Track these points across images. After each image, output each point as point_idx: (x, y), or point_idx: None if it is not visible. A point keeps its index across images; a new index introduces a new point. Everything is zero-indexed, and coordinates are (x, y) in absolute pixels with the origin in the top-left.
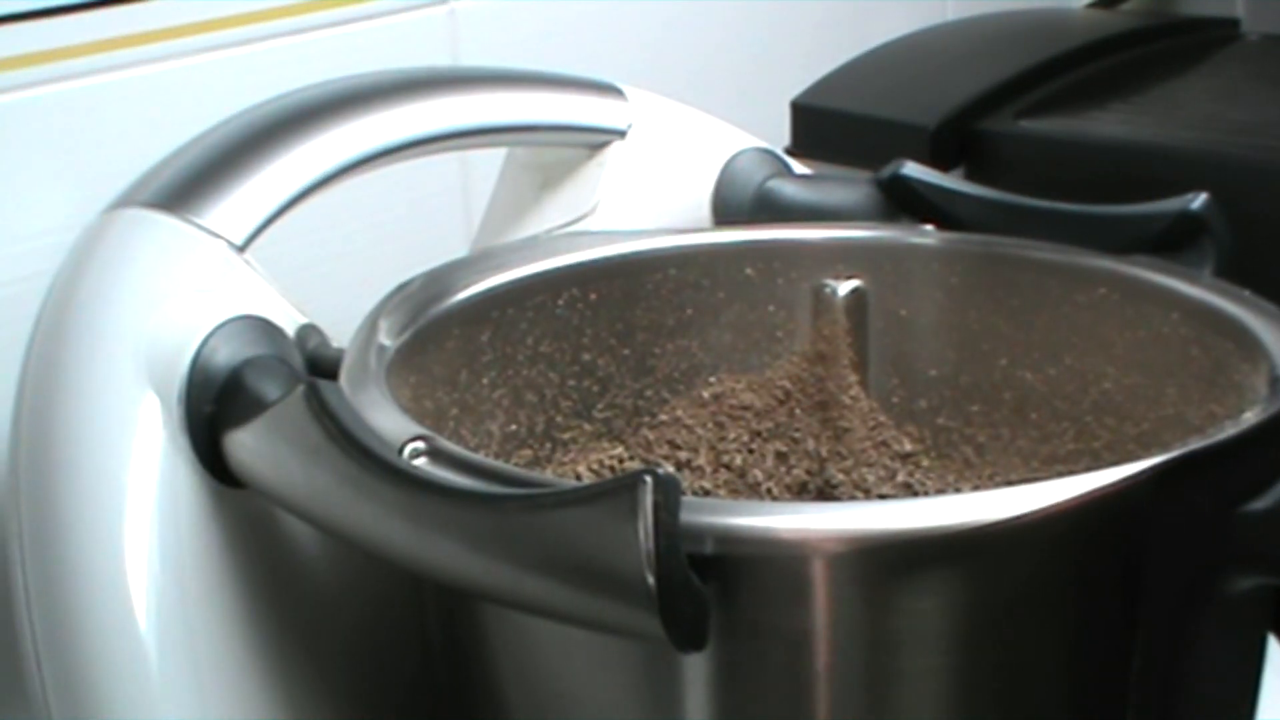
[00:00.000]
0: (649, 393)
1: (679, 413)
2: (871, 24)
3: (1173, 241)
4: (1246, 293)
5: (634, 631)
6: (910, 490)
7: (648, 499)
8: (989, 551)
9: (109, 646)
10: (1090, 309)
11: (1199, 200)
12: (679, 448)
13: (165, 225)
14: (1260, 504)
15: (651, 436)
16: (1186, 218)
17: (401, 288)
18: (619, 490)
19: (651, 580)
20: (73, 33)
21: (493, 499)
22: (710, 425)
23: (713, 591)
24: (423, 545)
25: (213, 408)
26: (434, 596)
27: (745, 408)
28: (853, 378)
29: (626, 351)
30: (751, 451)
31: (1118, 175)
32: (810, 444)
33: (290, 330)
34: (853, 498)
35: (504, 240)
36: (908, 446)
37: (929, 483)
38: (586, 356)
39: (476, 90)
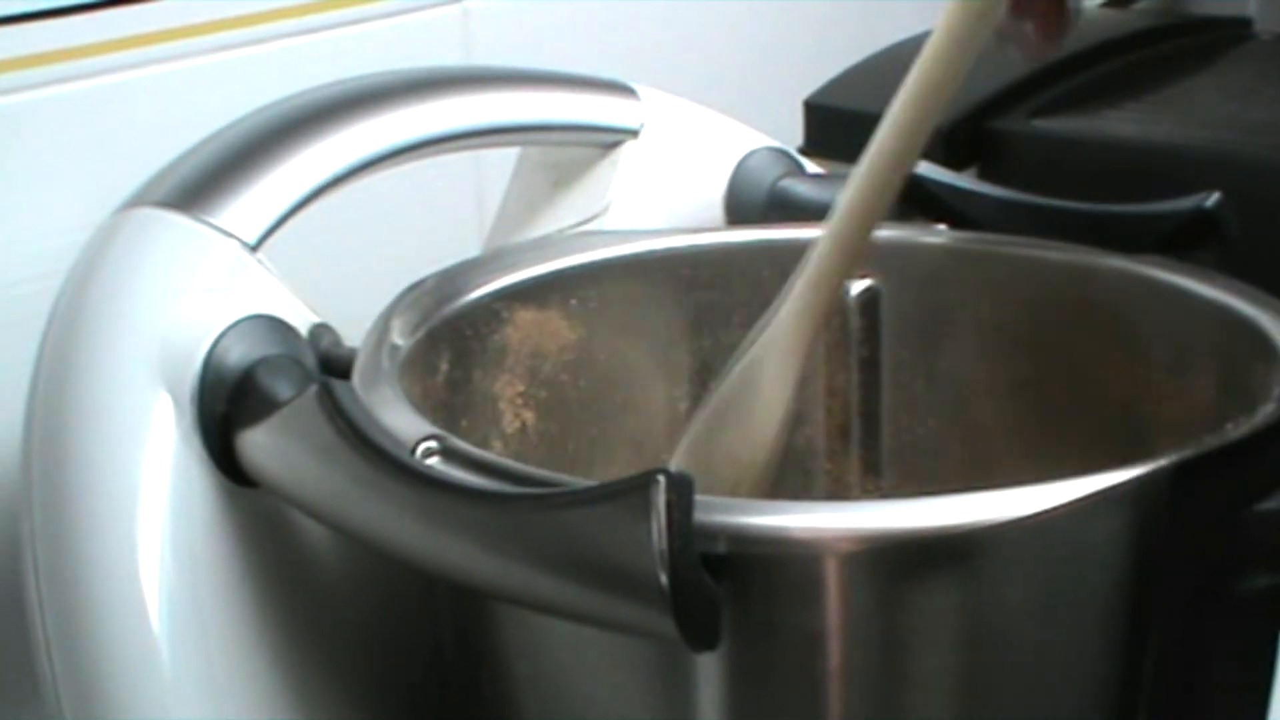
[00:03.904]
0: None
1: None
2: (884, 22)
3: (1186, 241)
4: (1260, 292)
5: (647, 631)
6: (923, 489)
7: (661, 498)
8: (1001, 550)
9: (122, 645)
10: (1103, 308)
11: (1212, 199)
12: None
13: (178, 225)
14: (1273, 503)
15: None
16: (1200, 217)
17: (414, 287)
18: (632, 490)
19: (665, 580)
20: (86, 32)
21: (506, 498)
22: None
23: (725, 591)
24: (435, 544)
25: (225, 407)
26: (446, 595)
27: None
28: (867, 376)
29: (638, 352)
30: None
31: (1131, 174)
32: (822, 441)
33: (303, 329)
34: (866, 497)
35: (517, 240)
36: (920, 445)
37: (941, 481)
38: (600, 357)
39: (489, 90)
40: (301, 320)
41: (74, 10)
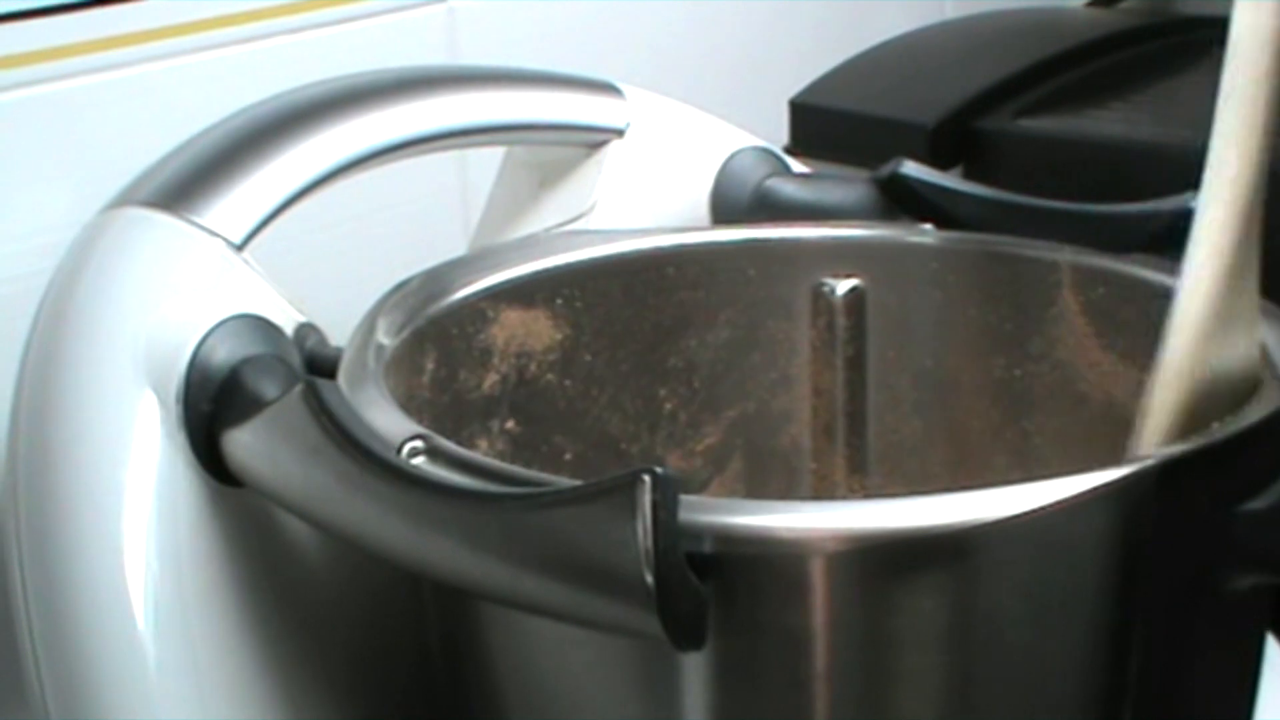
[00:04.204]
0: (646, 392)
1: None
2: (870, 22)
3: (1172, 240)
4: None
5: (632, 630)
6: (909, 489)
7: (646, 497)
8: (987, 550)
9: (107, 645)
10: (1089, 308)
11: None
12: None
13: (163, 224)
14: (1259, 503)
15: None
16: (1185, 216)
17: (400, 286)
18: (617, 489)
19: (650, 579)
20: (72, 31)
21: (491, 498)
22: None
23: (711, 590)
24: (421, 544)
25: (211, 406)
26: (432, 595)
27: None
28: (852, 375)
29: (624, 351)
30: None
31: (1116, 174)
32: (808, 441)
33: (288, 329)
34: (852, 496)
35: (502, 239)
36: (906, 444)
37: (927, 481)
38: (586, 357)
39: (475, 89)
40: (287, 320)
41: (58, 10)
